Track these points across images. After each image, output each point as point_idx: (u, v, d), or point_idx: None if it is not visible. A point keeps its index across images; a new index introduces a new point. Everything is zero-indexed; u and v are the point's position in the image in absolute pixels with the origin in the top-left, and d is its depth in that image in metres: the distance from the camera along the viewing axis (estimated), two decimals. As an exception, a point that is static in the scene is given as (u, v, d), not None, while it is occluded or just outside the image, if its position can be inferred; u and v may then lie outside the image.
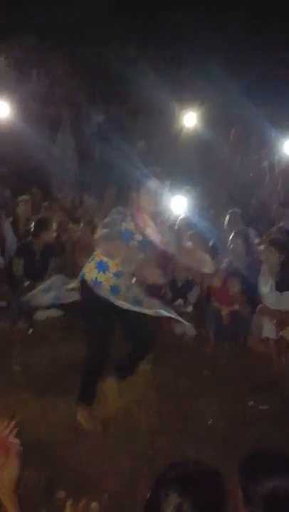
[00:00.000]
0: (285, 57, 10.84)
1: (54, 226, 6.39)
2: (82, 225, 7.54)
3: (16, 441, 2.14)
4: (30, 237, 6.34)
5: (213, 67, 10.41)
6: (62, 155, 9.44)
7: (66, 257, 6.77)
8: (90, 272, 4.06)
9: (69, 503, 2.13)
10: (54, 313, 5.98)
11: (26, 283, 5.96)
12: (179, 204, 6.88)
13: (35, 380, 4.77)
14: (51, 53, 11.89)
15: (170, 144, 9.76)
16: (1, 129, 9.05)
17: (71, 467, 3.64)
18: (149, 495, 1.83)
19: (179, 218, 6.95)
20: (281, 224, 6.94)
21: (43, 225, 6.29)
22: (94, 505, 2.23)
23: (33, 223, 6.39)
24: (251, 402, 4.55)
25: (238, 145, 9.34)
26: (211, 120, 9.69)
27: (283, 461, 1.98)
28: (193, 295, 6.17)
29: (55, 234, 6.45)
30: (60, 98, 10.66)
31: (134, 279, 4.08)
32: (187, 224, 6.92)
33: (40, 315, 5.95)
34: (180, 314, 5.91)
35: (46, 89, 10.99)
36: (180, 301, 6.11)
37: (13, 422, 2.19)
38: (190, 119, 9.79)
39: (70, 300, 4.36)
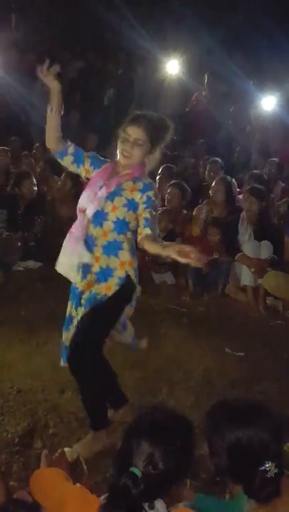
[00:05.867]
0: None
1: (34, 179, 6.32)
2: (63, 175, 7.44)
3: None
4: (10, 188, 6.29)
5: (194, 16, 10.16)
6: (42, 103, 9.21)
7: (46, 209, 6.71)
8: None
9: (45, 452, 2.17)
10: (32, 264, 5.99)
11: (4, 234, 5.93)
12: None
13: (13, 330, 4.80)
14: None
15: (152, 92, 9.59)
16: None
17: (48, 417, 3.66)
18: (120, 445, 1.86)
19: (162, 167, 6.88)
20: (255, 171, 6.93)
21: (22, 177, 6.22)
22: (69, 451, 2.26)
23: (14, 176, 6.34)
24: (228, 349, 4.61)
25: (214, 93, 9.24)
26: (193, 69, 9.53)
27: (246, 412, 1.99)
28: (174, 246, 6.15)
29: (35, 188, 6.37)
30: (39, 45, 10.36)
31: None
32: (169, 173, 6.88)
33: (19, 266, 5.96)
34: (160, 264, 6.03)
35: (24, 36, 10.65)
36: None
37: None
38: (172, 67, 9.61)
39: None
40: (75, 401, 3.80)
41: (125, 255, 3.20)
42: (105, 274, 3.20)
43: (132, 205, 3.14)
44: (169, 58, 9.61)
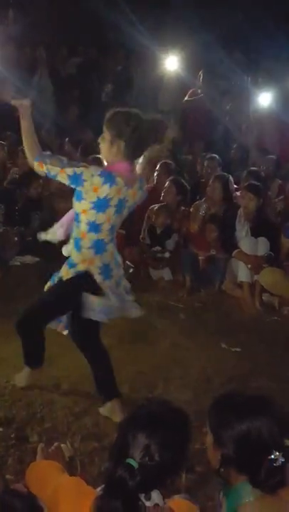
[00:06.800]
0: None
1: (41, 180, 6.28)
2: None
3: None
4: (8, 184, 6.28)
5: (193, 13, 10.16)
6: (39, 98, 9.19)
7: (44, 204, 6.70)
8: None
9: (41, 446, 2.17)
10: (30, 259, 5.99)
11: (2, 229, 5.92)
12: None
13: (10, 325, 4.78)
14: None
15: (150, 88, 9.58)
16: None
17: (44, 411, 3.66)
18: (116, 437, 1.86)
19: (160, 163, 6.85)
20: (252, 168, 6.93)
21: (32, 179, 6.18)
22: (65, 446, 2.25)
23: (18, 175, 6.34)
24: (224, 345, 4.62)
25: (211, 90, 9.22)
26: (191, 65, 9.51)
27: (254, 403, 2.01)
28: (171, 243, 6.11)
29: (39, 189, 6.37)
30: (37, 40, 10.32)
31: None
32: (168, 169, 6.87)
33: (16, 261, 5.95)
34: (158, 260, 6.04)
35: (23, 31, 10.61)
36: (157, 247, 6.09)
37: None
38: (171, 63, 9.59)
39: None
40: (70, 395, 3.82)
41: (85, 253, 3.32)
42: (69, 264, 3.40)
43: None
44: (167, 55, 9.59)
